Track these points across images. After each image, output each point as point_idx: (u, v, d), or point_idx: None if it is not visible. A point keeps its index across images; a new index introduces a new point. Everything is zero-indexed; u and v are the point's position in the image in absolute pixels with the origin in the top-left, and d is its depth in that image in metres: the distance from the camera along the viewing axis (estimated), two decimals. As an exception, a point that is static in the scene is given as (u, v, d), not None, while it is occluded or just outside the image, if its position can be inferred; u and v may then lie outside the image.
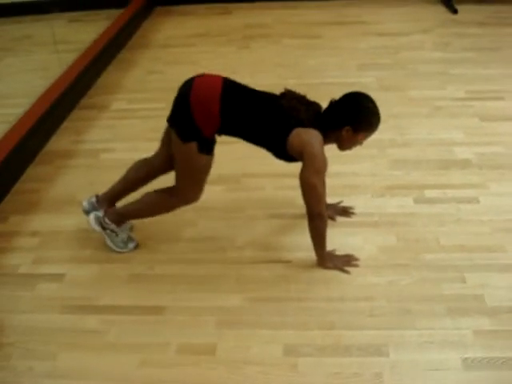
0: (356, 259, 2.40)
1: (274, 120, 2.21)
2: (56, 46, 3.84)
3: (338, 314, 2.16)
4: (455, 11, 5.30)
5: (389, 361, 1.97)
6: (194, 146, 2.20)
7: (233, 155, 2.94)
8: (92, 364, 2.02)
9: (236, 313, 2.20)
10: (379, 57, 4.43)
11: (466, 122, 3.44)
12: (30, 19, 3.81)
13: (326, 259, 2.36)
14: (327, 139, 2.25)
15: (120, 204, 2.58)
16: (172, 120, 2.26)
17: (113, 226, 2.48)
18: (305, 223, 2.57)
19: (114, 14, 4.83)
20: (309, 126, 2.20)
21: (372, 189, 2.83)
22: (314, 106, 2.29)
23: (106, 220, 2.48)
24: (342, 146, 2.32)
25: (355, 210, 2.69)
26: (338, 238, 2.45)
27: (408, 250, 2.47)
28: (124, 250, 2.52)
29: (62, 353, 2.05)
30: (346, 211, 2.66)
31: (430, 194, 2.81)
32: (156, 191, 2.43)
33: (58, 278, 2.40)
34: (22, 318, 2.21)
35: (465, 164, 3.03)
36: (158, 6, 5.89)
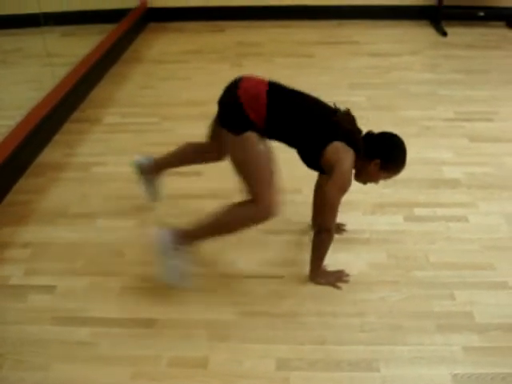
0: (347, 275, 2.42)
1: (320, 126, 2.22)
2: (49, 59, 3.85)
3: (330, 329, 2.18)
4: (444, 34, 5.40)
5: (380, 376, 1.98)
6: (249, 134, 2.16)
7: (226, 170, 2.94)
8: (83, 376, 2.01)
9: (228, 327, 2.20)
10: (370, 77, 4.49)
11: (455, 142, 3.49)
12: (22, 32, 3.82)
13: (319, 275, 2.38)
14: (355, 163, 2.26)
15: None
16: (222, 119, 2.24)
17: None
18: (298, 239, 2.61)
19: (108, 28, 4.85)
20: (348, 143, 2.22)
21: (363, 206, 2.86)
22: (358, 129, 2.30)
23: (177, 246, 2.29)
24: (361, 177, 2.33)
25: (346, 227, 2.71)
26: (329, 254, 2.46)
27: (398, 266, 2.49)
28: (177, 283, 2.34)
29: (54, 364, 2.05)
30: (338, 228, 2.68)
31: (419, 212, 2.84)
32: (232, 205, 2.24)
33: (49, 289, 2.39)
34: (14, 329, 2.20)
35: (454, 183, 3.07)
36: (151, 21, 5.94)
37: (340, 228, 2.70)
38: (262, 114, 2.17)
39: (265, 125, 2.19)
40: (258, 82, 2.25)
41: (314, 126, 2.23)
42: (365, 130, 2.31)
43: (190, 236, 2.30)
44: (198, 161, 2.66)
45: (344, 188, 2.21)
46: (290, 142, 2.28)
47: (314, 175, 2.52)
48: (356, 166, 2.28)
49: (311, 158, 2.27)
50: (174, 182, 3.05)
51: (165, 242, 2.28)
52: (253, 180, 2.19)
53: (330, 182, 2.20)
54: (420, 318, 2.22)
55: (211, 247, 2.62)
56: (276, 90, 2.23)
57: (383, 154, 2.24)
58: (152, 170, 2.78)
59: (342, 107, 2.32)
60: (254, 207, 2.19)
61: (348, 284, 2.38)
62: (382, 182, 3.00)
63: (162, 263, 2.30)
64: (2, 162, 3.02)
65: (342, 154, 2.20)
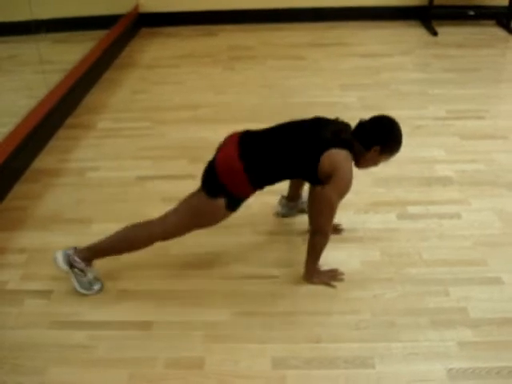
0: (341, 273, 2.44)
1: (302, 149, 2.22)
2: (42, 65, 3.86)
3: (325, 328, 2.20)
4: (435, 33, 5.43)
5: (375, 372, 2.00)
6: (221, 202, 2.22)
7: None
8: (80, 379, 2.02)
9: (224, 327, 2.22)
10: (361, 77, 4.52)
11: (446, 140, 3.52)
12: (15, 39, 3.84)
13: (313, 274, 2.40)
14: (353, 157, 2.27)
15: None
16: (203, 185, 2.30)
17: (82, 265, 2.34)
18: (291, 240, 2.63)
19: (100, 34, 4.87)
20: (338, 146, 2.21)
21: (356, 205, 2.88)
22: (342, 125, 2.31)
23: (76, 258, 2.34)
24: (363, 164, 2.35)
25: (340, 226, 2.73)
26: (323, 253, 2.48)
27: (392, 264, 2.51)
28: (89, 292, 2.38)
29: (51, 368, 2.06)
30: (336, 228, 2.69)
31: (412, 210, 2.87)
32: (134, 224, 2.36)
33: (45, 294, 2.40)
34: (10, 333, 2.21)
35: (446, 181, 3.09)
36: (143, 27, 5.96)
37: (337, 228, 2.70)
38: (242, 178, 2.19)
39: (250, 180, 2.21)
40: (228, 147, 2.26)
41: (297, 149, 2.23)
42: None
43: (91, 252, 2.37)
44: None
45: (344, 190, 2.22)
46: (287, 175, 2.32)
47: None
48: (355, 158, 2.28)
49: (310, 177, 2.28)
50: (167, 185, 3.08)
51: (69, 259, 2.35)
52: (184, 219, 2.31)
53: (330, 185, 2.20)
54: (414, 315, 2.24)
55: (206, 249, 2.64)
56: (246, 140, 2.26)
57: (380, 140, 2.25)
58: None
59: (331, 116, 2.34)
60: (158, 229, 2.32)
61: (342, 282, 2.40)
62: (374, 182, 3.04)
63: (72, 277, 2.38)
64: (-4, 168, 3.04)
65: (337, 158, 2.20)
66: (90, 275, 2.39)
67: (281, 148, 2.24)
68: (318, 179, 2.24)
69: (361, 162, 2.33)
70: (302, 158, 2.22)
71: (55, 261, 2.35)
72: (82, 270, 2.36)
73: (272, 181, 2.30)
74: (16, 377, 2.03)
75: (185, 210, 2.32)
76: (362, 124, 2.31)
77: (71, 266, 2.35)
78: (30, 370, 2.05)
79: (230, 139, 2.30)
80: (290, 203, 2.79)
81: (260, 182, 2.26)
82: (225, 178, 2.20)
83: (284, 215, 2.82)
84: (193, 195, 2.34)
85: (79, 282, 2.38)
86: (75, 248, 2.37)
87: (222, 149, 2.28)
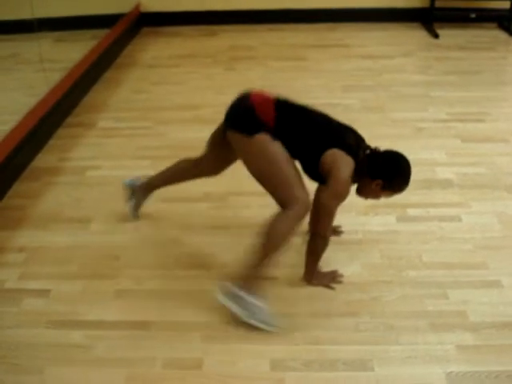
0: (340, 275, 2.43)
1: (321, 134, 2.22)
2: (42, 64, 3.86)
3: (324, 330, 2.19)
4: (436, 36, 5.43)
5: (374, 375, 1.99)
6: (262, 135, 2.15)
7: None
8: (79, 379, 2.02)
9: (222, 328, 2.21)
10: (362, 79, 4.52)
11: (447, 142, 3.51)
12: (16, 38, 3.83)
13: (312, 276, 2.39)
14: (355, 177, 2.23)
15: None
16: (234, 122, 2.23)
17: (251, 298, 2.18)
18: (292, 241, 2.60)
19: (101, 33, 4.86)
20: (350, 153, 2.19)
21: (356, 207, 2.87)
22: (363, 144, 2.29)
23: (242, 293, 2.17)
24: (362, 193, 2.33)
25: (340, 229, 2.72)
26: (323, 255, 2.48)
27: (391, 266, 2.51)
28: (271, 328, 2.18)
29: (49, 367, 2.05)
30: (336, 231, 2.68)
31: (412, 212, 2.86)
32: (268, 224, 2.18)
33: (44, 293, 2.40)
34: (9, 333, 2.21)
35: (447, 184, 3.09)
36: (144, 26, 5.95)
37: (337, 230, 2.70)
38: (270, 120, 2.18)
39: (272, 129, 2.19)
40: (266, 95, 2.27)
41: (315, 134, 2.23)
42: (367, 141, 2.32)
43: (250, 278, 2.20)
44: (193, 176, 2.64)
45: (341, 195, 2.19)
46: (293, 151, 2.28)
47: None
48: (357, 180, 2.26)
49: (311, 166, 2.26)
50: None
51: (235, 296, 2.17)
52: (278, 181, 2.17)
53: (327, 189, 2.19)
54: (413, 318, 2.23)
55: (205, 249, 2.63)
56: (283, 103, 2.26)
57: (386, 176, 2.21)
58: (144, 190, 2.75)
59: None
60: (291, 210, 2.15)
61: (341, 284, 2.40)
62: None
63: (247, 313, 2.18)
64: (-4, 166, 3.04)
65: (339, 160, 2.17)
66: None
67: (305, 125, 2.23)
68: (318, 172, 2.22)
69: (362, 190, 2.31)
70: (314, 142, 2.21)
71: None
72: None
73: (287, 143, 2.21)
74: (14, 376, 2.02)
75: (263, 179, 2.22)
76: (376, 153, 2.26)
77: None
78: (28, 370, 2.05)
79: (264, 93, 2.27)
80: None
81: (280, 133, 2.19)
82: (259, 110, 2.17)
83: None
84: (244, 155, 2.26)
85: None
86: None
87: (257, 93, 2.26)
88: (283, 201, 2.17)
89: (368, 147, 2.28)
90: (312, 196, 2.25)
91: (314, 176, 2.28)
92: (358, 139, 2.29)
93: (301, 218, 2.17)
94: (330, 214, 2.23)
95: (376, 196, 2.33)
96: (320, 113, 2.32)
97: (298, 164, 2.28)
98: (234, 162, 2.46)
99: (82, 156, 3.49)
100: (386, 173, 2.22)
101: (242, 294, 2.16)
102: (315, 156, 2.20)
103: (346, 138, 2.23)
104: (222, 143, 2.35)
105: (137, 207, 2.79)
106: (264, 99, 2.23)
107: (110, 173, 3.28)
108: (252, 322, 2.16)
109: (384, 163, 2.23)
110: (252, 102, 2.20)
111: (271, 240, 2.17)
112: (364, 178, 2.25)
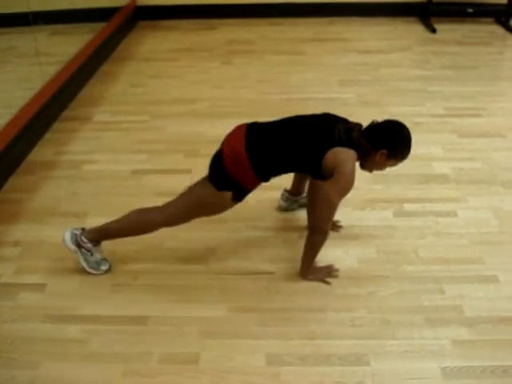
0: (336, 270, 2.43)
1: (311, 144, 2.21)
2: (38, 57, 3.84)
3: (320, 324, 2.19)
4: (434, 30, 5.42)
5: (370, 370, 2.00)
6: (228, 194, 2.23)
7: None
8: (75, 373, 2.02)
9: (219, 323, 2.21)
10: (359, 73, 4.51)
11: (444, 137, 3.51)
12: (12, 31, 3.82)
13: (309, 271, 2.39)
14: (361, 160, 2.26)
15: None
16: (210, 177, 2.29)
17: (89, 245, 2.39)
18: (287, 236, 2.62)
19: (97, 27, 4.84)
20: (345, 145, 2.19)
21: (353, 202, 2.87)
22: (353, 124, 2.29)
23: (83, 238, 2.39)
24: (368, 166, 2.33)
25: (339, 223, 2.72)
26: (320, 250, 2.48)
27: (388, 261, 2.51)
28: (97, 272, 2.44)
29: (45, 362, 2.05)
30: (334, 225, 2.68)
31: (409, 207, 2.86)
32: (140, 209, 2.40)
33: (40, 287, 2.39)
34: (4, 327, 2.21)
35: (443, 178, 3.09)
36: (141, 20, 5.92)
37: (335, 225, 2.69)
38: (248, 169, 2.19)
39: (255, 171, 2.20)
40: (237, 138, 2.25)
41: (305, 144, 2.21)
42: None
43: (98, 233, 2.41)
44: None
45: (344, 190, 2.20)
46: (291, 168, 2.31)
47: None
48: (362, 158, 2.27)
49: (314, 171, 2.26)
50: (163, 179, 3.07)
51: (77, 239, 2.40)
52: (188, 208, 2.33)
53: (331, 182, 2.18)
54: (409, 313, 2.23)
55: (202, 244, 2.63)
56: (253, 132, 2.25)
57: (389, 144, 2.23)
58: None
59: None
60: (160, 217, 2.34)
61: (337, 279, 2.40)
62: (370, 179, 3.03)
63: (79, 257, 2.43)
64: (-8, 160, 3.02)
65: (342, 156, 2.17)
66: (97, 255, 2.44)
67: (288, 141, 2.22)
68: (322, 174, 2.22)
69: (366, 164, 2.31)
70: (310, 152, 2.20)
71: (63, 240, 2.41)
72: (89, 250, 2.41)
73: (276, 172, 2.29)
74: (9, 371, 2.02)
75: (189, 199, 2.33)
76: (374, 125, 2.28)
77: (79, 245, 2.40)
78: (24, 364, 2.05)
79: (236, 131, 2.30)
80: (292, 197, 2.79)
81: (265, 173, 2.25)
82: (232, 169, 2.20)
83: (285, 209, 2.81)
84: (197, 184, 2.33)
85: (87, 262, 2.43)
86: (83, 228, 2.43)
87: (228, 140, 2.27)
88: (170, 211, 2.35)
89: (357, 124, 2.29)
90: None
91: (317, 177, 2.28)
92: (343, 124, 2.27)
93: (156, 226, 2.40)
94: (333, 208, 2.23)
95: (381, 167, 2.33)
96: (295, 119, 2.31)
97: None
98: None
99: (79, 150, 3.48)
100: (388, 141, 2.24)
101: (89, 245, 2.39)
102: (315, 163, 2.20)
103: (335, 132, 2.22)
104: None
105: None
106: (235, 147, 2.22)
107: (106, 167, 3.27)
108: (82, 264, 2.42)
109: (385, 132, 2.26)
110: (226, 163, 2.21)
111: (127, 224, 2.41)
112: (367, 153, 2.25)
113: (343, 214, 2.76)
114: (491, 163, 3.23)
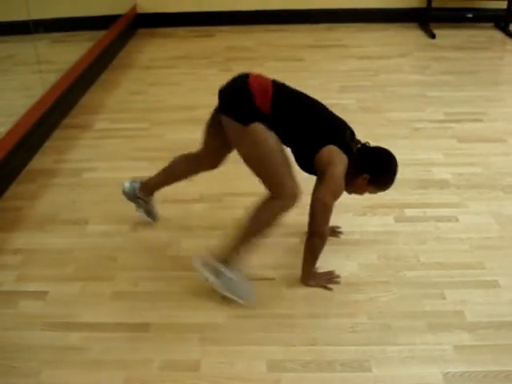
0: (337, 276, 2.43)
1: (321, 128, 2.22)
2: (39, 65, 3.86)
3: (321, 331, 2.19)
4: (433, 36, 5.43)
5: (371, 376, 1.99)
6: (257, 125, 2.13)
7: (215, 174, 2.96)
8: (75, 381, 2.01)
9: (220, 329, 2.21)
10: (359, 79, 4.52)
11: (444, 143, 3.51)
12: (12, 39, 3.83)
13: (310, 277, 2.39)
14: (348, 173, 2.25)
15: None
16: (229, 108, 2.22)
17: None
18: (287, 242, 2.61)
19: (97, 35, 4.86)
20: (345, 151, 2.21)
21: (353, 208, 2.87)
22: (355, 139, 2.30)
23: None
24: (349, 188, 2.33)
25: (339, 229, 2.72)
26: (320, 256, 2.48)
27: (389, 267, 2.50)
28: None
29: (46, 370, 2.04)
30: (334, 231, 2.68)
31: (409, 212, 2.86)
32: (255, 207, 2.23)
33: (40, 295, 2.39)
34: (5, 335, 2.20)
35: (443, 184, 3.09)
36: (140, 27, 5.94)
37: (335, 231, 2.70)
38: (266, 107, 2.17)
39: (267, 117, 2.17)
40: (264, 80, 2.27)
41: (314, 127, 2.23)
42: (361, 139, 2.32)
43: (230, 254, 2.28)
44: (192, 173, 2.61)
45: (336, 192, 2.20)
46: (287, 139, 2.26)
47: (309, 178, 2.51)
48: (347, 174, 2.26)
49: (305, 158, 2.26)
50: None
51: (212, 268, 2.28)
52: (269, 171, 2.18)
53: (322, 185, 2.19)
54: (411, 318, 2.23)
55: (202, 250, 2.62)
56: (280, 88, 2.26)
57: (373, 171, 2.25)
58: (145, 194, 2.71)
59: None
60: (279, 200, 2.18)
61: (339, 285, 2.39)
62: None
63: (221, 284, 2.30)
64: (-8, 168, 3.03)
65: (335, 157, 2.19)
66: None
67: (304, 113, 2.23)
68: (311, 164, 2.22)
69: (348, 184, 2.28)
70: (313, 135, 2.21)
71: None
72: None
73: (277, 130, 2.19)
74: (9, 379, 2.01)
75: (254, 166, 2.21)
76: (365, 148, 2.30)
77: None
78: (24, 372, 2.04)
79: (262, 77, 2.29)
80: None
81: (271, 122, 2.17)
82: (256, 93, 2.16)
83: None
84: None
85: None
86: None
87: (254, 75, 2.28)
88: (272, 189, 2.20)
89: (358, 142, 2.31)
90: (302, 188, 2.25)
91: (304, 167, 2.29)
92: (352, 135, 2.31)
93: (286, 208, 2.20)
94: (327, 210, 2.22)
95: (360, 191, 2.35)
96: (317, 102, 2.32)
97: (289, 152, 2.27)
98: (232, 149, 2.38)
99: (79, 158, 3.49)
100: (374, 167, 2.25)
101: (220, 266, 2.26)
102: (311, 149, 2.21)
103: (344, 135, 2.24)
104: (216, 129, 2.33)
105: (149, 212, 2.77)
106: (262, 85, 2.21)
107: (106, 174, 3.27)
108: (226, 293, 2.29)
109: (372, 158, 2.27)
110: (250, 89, 2.17)
111: (254, 225, 2.24)
112: (352, 172, 2.25)
113: (344, 219, 2.76)
114: (491, 168, 3.23)
